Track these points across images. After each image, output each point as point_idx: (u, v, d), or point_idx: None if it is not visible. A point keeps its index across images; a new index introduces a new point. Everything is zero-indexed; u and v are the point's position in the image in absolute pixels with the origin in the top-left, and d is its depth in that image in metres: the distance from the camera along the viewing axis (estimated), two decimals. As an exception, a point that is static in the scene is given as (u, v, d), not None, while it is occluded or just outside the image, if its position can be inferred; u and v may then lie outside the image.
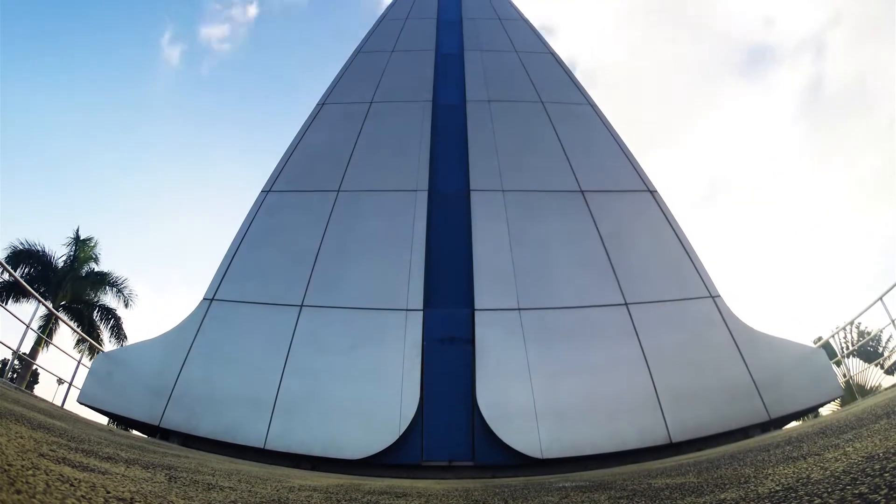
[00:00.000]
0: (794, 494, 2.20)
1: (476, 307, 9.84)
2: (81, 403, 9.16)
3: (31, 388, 27.01)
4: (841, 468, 2.52)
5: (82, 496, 1.87)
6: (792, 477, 2.70)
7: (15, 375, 26.54)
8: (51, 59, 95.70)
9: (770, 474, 3.00)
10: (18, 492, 1.62)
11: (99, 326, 26.50)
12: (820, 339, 22.52)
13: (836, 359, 14.40)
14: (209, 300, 10.16)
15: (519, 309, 9.74)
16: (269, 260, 10.84)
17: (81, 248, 27.80)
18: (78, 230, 28.25)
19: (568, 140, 13.16)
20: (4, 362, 29.91)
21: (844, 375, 15.21)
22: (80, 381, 10.05)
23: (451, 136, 13.55)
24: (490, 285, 10.13)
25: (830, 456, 3.10)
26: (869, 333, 22.97)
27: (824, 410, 11.39)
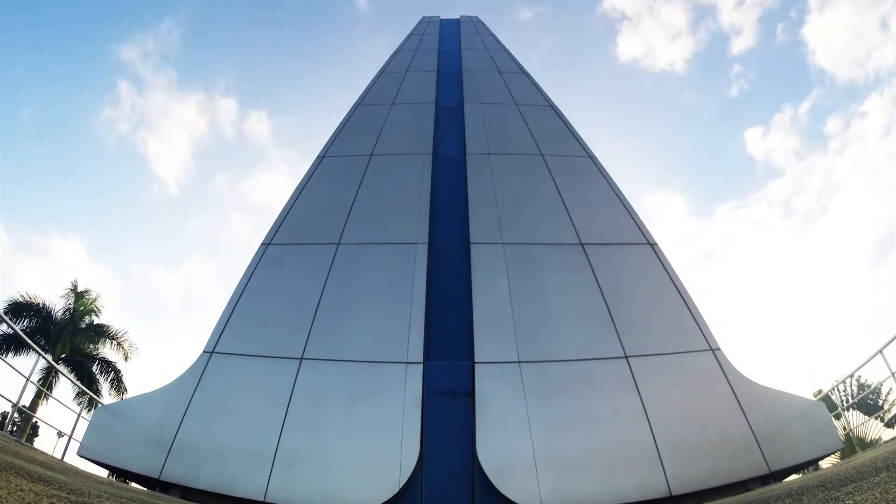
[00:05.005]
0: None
1: (476, 360, 9.83)
2: (81, 456, 9.13)
3: (32, 441, 26.78)
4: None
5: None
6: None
7: (15, 428, 26.42)
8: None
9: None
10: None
11: (98, 379, 26.44)
12: (820, 391, 22.48)
13: (837, 412, 14.36)
14: (209, 353, 10.16)
15: (519, 362, 9.73)
16: (269, 313, 10.86)
17: (80, 300, 27.82)
18: (76, 282, 28.30)
19: (568, 193, 13.25)
20: (4, 415, 29.73)
21: (844, 428, 15.16)
22: (80, 433, 10.03)
23: (451, 189, 13.67)
24: (490, 338, 10.13)
25: (829, 510, 3.12)
26: (869, 386, 22.95)
27: (824, 463, 11.36)
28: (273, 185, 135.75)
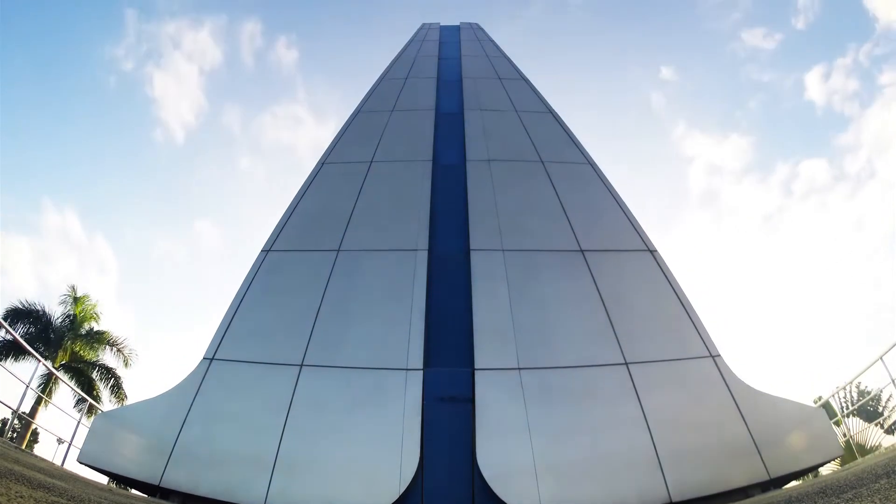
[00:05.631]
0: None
1: (476, 367, 9.83)
2: (81, 463, 9.11)
3: (31, 448, 26.76)
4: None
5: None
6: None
7: (15, 435, 26.45)
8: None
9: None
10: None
11: (98, 385, 26.45)
12: (820, 398, 22.48)
13: (837, 418, 14.35)
14: (209, 359, 10.16)
15: (519, 368, 9.74)
16: (270, 319, 10.88)
17: (79, 306, 27.82)
18: (74, 287, 28.30)
19: (568, 199, 13.28)
20: (4, 422, 29.75)
21: (844, 435, 15.17)
22: (80, 440, 10.03)
23: (451, 196, 13.70)
24: (490, 345, 10.14)
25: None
26: (869, 393, 22.93)
27: (824, 470, 11.34)
28: (295, 121, 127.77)
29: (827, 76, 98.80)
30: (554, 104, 17.61)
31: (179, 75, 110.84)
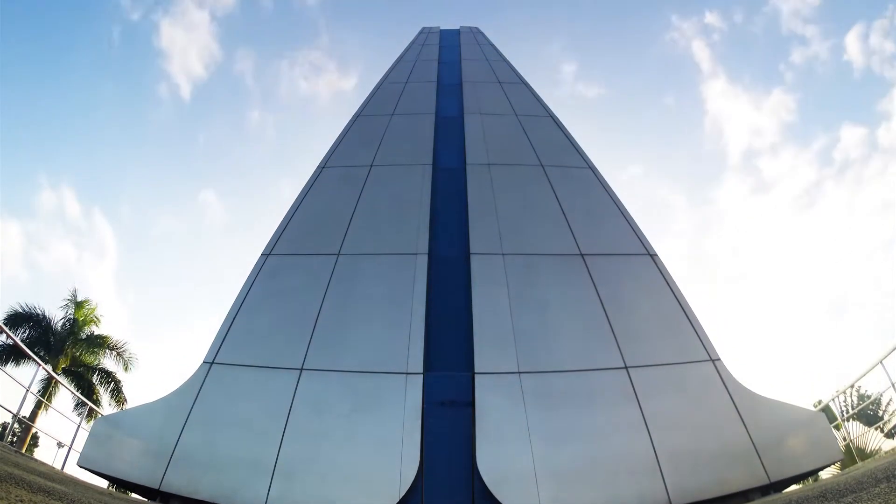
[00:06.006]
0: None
1: (476, 370, 9.83)
2: (81, 467, 9.12)
3: (31, 452, 26.81)
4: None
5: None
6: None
7: (15, 439, 26.47)
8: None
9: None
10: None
11: (98, 390, 26.48)
12: (820, 402, 22.48)
13: (837, 422, 14.36)
14: (209, 363, 10.17)
15: (519, 372, 9.73)
16: (270, 323, 10.89)
17: (79, 310, 27.85)
18: (75, 291, 28.31)
19: (568, 203, 13.29)
20: (4, 426, 29.74)
21: (844, 439, 15.16)
22: (79, 444, 10.05)
23: (451, 200, 13.72)
24: (490, 349, 10.14)
25: (828, 521, 3.12)
26: (869, 397, 22.97)
27: (824, 474, 11.36)
28: (315, 69, 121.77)
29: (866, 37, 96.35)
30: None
31: (189, 22, 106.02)
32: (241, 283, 11.66)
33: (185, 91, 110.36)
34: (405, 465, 8.54)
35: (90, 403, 22.43)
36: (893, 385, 10.03)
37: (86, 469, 9.12)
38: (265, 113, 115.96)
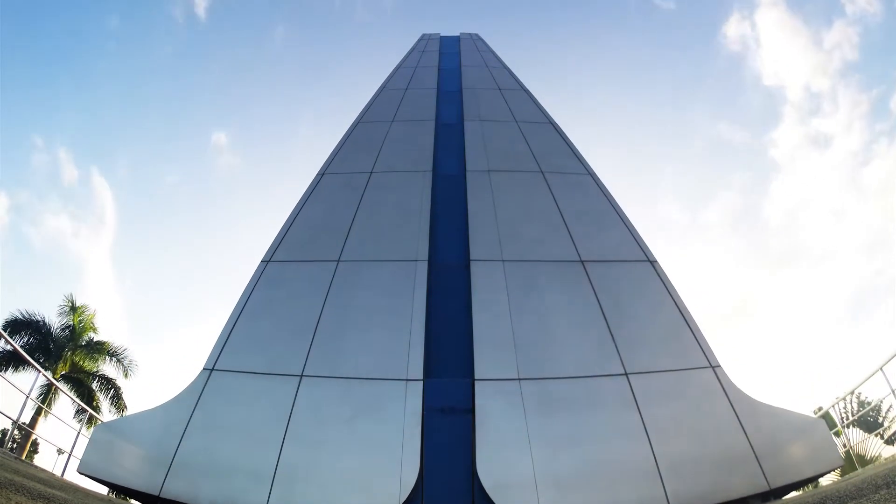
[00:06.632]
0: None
1: (476, 377, 9.83)
2: (81, 473, 9.11)
3: (31, 458, 26.78)
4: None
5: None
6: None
7: (15, 445, 26.40)
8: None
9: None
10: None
11: (98, 396, 26.49)
12: (820, 408, 22.48)
13: (836, 429, 14.35)
14: (209, 370, 10.16)
15: (519, 379, 9.73)
16: (269, 330, 10.88)
17: (77, 316, 27.85)
18: (72, 296, 28.31)
19: (568, 210, 13.30)
20: (4, 432, 29.74)
21: (844, 445, 15.16)
22: (79, 450, 10.04)
23: (450, 206, 13.73)
24: (490, 355, 10.14)
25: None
26: (869, 403, 22.95)
27: (824, 480, 11.33)
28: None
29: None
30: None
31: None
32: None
33: (201, 8, 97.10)
34: (405, 472, 8.54)
35: (90, 410, 22.39)
36: (893, 391, 10.04)
37: (86, 476, 9.11)
38: (291, 26, 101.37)
